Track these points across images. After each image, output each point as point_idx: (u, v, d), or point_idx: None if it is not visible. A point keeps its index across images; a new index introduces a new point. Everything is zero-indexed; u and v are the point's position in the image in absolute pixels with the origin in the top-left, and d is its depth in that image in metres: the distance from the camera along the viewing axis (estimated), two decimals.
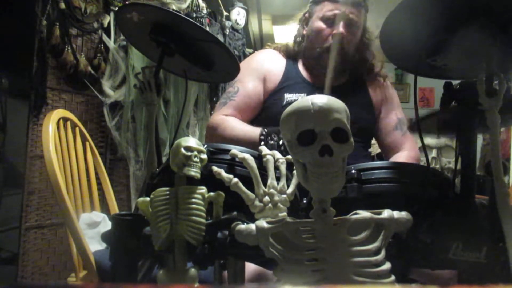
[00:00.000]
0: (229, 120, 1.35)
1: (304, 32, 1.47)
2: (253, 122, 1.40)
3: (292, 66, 1.48)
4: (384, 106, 1.49)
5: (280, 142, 1.05)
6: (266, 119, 1.37)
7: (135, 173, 2.46)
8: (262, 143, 1.11)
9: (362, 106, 1.44)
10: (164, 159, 1.01)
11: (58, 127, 1.41)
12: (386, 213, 0.58)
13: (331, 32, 1.37)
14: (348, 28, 1.37)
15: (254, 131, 1.20)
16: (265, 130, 1.14)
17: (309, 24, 1.45)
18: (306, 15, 1.48)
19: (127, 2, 2.35)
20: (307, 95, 1.35)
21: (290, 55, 1.50)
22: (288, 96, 1.39)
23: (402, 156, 1.39)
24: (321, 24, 1.39)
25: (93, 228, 1.43)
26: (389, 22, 0.78)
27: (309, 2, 1.47)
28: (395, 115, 1.48)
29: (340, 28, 1.36)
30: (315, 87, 1.41)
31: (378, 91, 1.49)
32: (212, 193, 0.65)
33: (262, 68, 1.45)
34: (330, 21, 1.38)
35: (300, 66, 1.49)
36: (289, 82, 1.43)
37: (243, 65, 1.51)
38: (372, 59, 1.48)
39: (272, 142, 1.08)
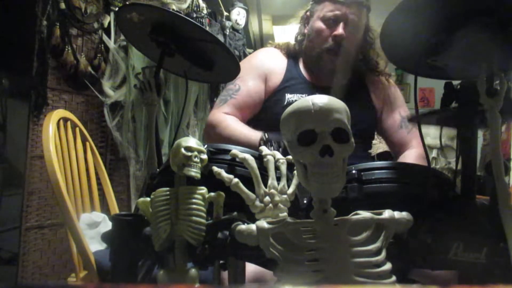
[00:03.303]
0: (230, 119, 1.34)
1: (305, 31, 1.45)
2: (253, 121, 1.39)
3: (293, 66, 1.46)
4: (387, 106, 1.47)
5: (280, 150, 1.03)
6: (266, 118, 1.36)
7: (135, 173, 2.45)
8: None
9: (363, 107, 1.43)
10: (164, 159, 1.01)
11: (58, 127, 1.41)
12: (386, 213, 0.58)
13: (331, 33, 1.36)
14: (349, 28, 1.35)
15: (255, 135, 1.18)
16: (266, 135, 1.12)
17: (309, 23, 1.43)
18: (307, 13, 1.45)
19: (127, 2, 2.34)
20: (308, 95, 1.35)
21: (291, 54, 1.48)
22: (289, 97, 1.37)
23: (411, 153, 1.38)
24: (321, 25, 1.37)
25: (93, 228, 1.43)
26: (389, 22, 0.78)
27: (310, 0, 1.45)
28: (398, 113, 1.46)
29: (340, 29, 1.34)
30: (316, 88, 1.40)
31: (379, 91, 1.48)
32: (212, 194, 0.65)
33: (264, 67, 1.44)
34: (330, 21, 1.36)
35: (301, 65, 1.47)
36: (290, 82, 1.41)
37: (244, 63, 1.49)
38: (376, 58, 1.46)
39: (272, 149, 1.08)
